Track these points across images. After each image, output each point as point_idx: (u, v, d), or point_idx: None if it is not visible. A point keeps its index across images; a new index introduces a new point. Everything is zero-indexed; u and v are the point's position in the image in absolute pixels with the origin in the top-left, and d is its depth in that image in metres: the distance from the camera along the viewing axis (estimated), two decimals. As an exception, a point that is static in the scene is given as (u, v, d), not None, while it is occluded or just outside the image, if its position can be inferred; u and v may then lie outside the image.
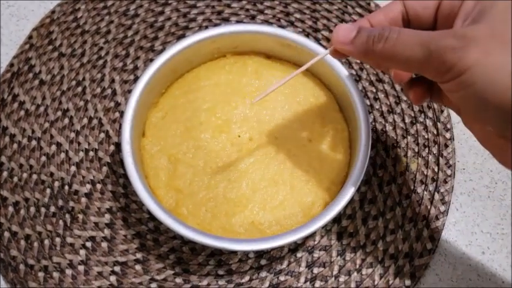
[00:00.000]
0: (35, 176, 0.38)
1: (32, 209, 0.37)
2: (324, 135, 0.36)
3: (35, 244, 0.36)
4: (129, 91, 0.42)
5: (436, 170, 0.39)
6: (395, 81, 0.29)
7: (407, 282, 0.35)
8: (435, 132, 0.40)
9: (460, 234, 0.37)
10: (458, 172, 0.39)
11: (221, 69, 0.38)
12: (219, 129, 0.36)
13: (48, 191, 0.38)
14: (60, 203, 0.37)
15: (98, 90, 0.42)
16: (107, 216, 0.37)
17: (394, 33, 0.23)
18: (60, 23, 0.45)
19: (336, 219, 0.37)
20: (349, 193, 0.32)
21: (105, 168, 0.39)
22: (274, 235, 0.31)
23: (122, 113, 0.41)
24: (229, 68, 0.38)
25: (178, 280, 0.35)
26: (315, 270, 0.36)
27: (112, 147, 0.40)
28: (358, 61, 0.43)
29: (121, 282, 0.35)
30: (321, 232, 0.37)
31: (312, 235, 0.37)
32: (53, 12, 0.45)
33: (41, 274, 0.35)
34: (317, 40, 0.44)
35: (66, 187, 0.38)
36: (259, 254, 0.36)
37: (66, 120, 0.40)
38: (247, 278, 0.35)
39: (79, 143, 0.40)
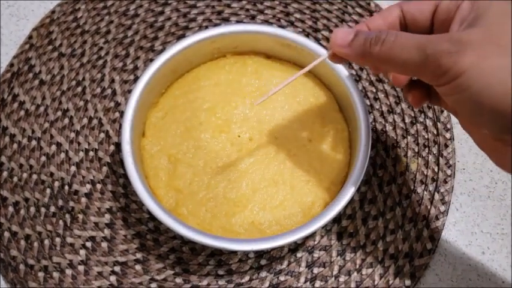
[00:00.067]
0: (35, 176, 0.38)
1: (32, 209, 0.37)
2: (324, 135, 0.36)
3: (35, 244, 0.36)
4: (129, 91, 0.42)
5: (436, 170, 0.39)
6: (394, 85, 0.29)
7: (407, 282, 0.35)
8: (435, 132, 0.40)
9: (460, 234, 0.37)
10: (458, 172, 0.39)
11: (221, 69, 0.38)
12: (219, 129, 0.36)
13: (48, 191, 0.38)
14: (60, 203, 0.37)
15: (98, 90, 0.42)
16: (107, 216, 0.37)
17: (391, 36, 0.24)
18: (60, 23, 0.45)
19: (336, 219, 0.37)
20: (349, 193, 0.32)
21: (105, 168, 0.39)
22: (274, 235, 0.31)
23: (122, 113, 0.41)
24: (229, 68, 0.38)
25: (178, 280, 0.35)
26: (315, 270, 0.36)
27: (112, 147, 0.40)
28: (358, 61, 0.43)
29: (121, 282, 0.35)
30: (321, 232, 0.37)
31: (312, 235, 0.37)
32: (53, 12, 0.45)
33: (41, 274, 0.35)
34: (317, 40, 0.44)
35: (66, 187, 0.38)
36: (259, 254, 0.36)
37: (66, 120, 0.40)
38: (247, 278, 0.35)
39: (79, 143, 0.40)
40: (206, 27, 0.45)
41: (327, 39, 0.44)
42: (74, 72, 0.42)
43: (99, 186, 0.38)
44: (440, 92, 0.24)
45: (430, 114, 0.41)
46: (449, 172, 0.39)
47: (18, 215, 0.37)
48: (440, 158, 0.39)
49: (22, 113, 0.41)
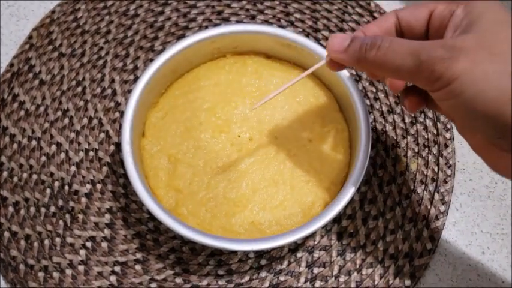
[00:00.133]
0: (35, 176, 0.38)
1: (32, 209, 0.37)
2: (324, 135, 0.36)
3: (35, 244, 0.36)
4: (129, 91, 0.42)
5: (436, 170, 0.39)
6: (391, 90, 0.29)
7: (407, 282, 0.35)
8: (435, 132, 0.40)
9: (460, 234, 0.37)
10: (458, 172, 0.39)
11: (221, 69, 0.38)
12: (219, 129, 0.36)
13: (48, 191, 0.38)
14: (60, 203, 0.37)
15: (98, 90, 0.42)
16: (107, 216, 0.37)
17: (386, 42, 0.24)
18: (60, 23, 0.45)
19: (336, 219, 0.37)
20: (349, 193, 0.32)
21: (105, 168, 0.39)
22: (274, 235, 0.31)
23: (122, 113, 0.41)
24: (229, 68, 0.38)
25: (178, 280, 0.35)
26: (315, 270, 0.36)
27: (112, 147, 0.40)
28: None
29: (121, 282, 0.35)
30: (321, 232, 0.37)
31: (312, 235, 0.37)
32: (53, 12, 0.45)
33: (41, 274, 0.35)
34: (317, 40, 0.44)
35: (66, 187, 0.38)
36: (259, 254, 0.36)
37: (66, 120, 0.40)
38: (247, 278, 0.35)
39: (79, 143, 0.40)
40: (206, 27, 0.45)
41: (327, 39, 0.44)
42: (74, 72, 0.42)
43: (99, 186, 0.38)
44: (434, 97, 0.24)
45: (430, 114, 0.41)
46: (449, 172, 0.39)
47: (18, 215, 0.37)
48: (440, 158, 0.39)
49: (22, 113, 0.41)
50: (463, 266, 0.36)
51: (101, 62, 0.43)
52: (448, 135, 0.40)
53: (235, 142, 0.36)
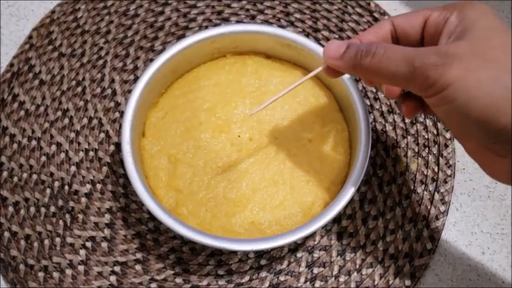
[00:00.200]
0: (35, 176, 0.38)
1: (32, 209, 0.37)
2: (324, 135, 0.36)
3: (35, 244, 0.36)
4: (129, 91, 0.42)
5: (436, 170, 0.39)
6: (388, 96, 0.30)
7: (407, 282, 0.35)
8: (435, 132, 0.40)
9: (460, 234, 0.37)
10: (458, 172, 0.39)
11: (221, 69, 0.38)
12: (219, 129, 0.36)
13: (48, 191, 0.38)
14: (60, 203, 0.37)
15: (98, 90, 0.42)
16: (107, 216, 0.37)
17: (381, 49, 0.25)
18: (60, 23, 0.45)
19: (336, 219, 0.37)
20: (349, 193, 0.32)
21: (105, 168, 0.39)
22: (274, 235, 0.31)
23: (122, 113, 0.41)
24: (229, 68, 0.38)
25: (178, 280, 0.35)
26: (315, 270, 0.36)
27: (112, 147, 0.40)
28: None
29: (121, 282, 0.35)
30: (321, 232, 0.37)
31: (312, 235, 0.37)
32: (53, 12, 0.45)
33: (41, 274, 0.35)
34: (317, 40, 0.44)
35: (66, 187, 0.38)
36: (259, 254, 0.36)
37: (66, 120, 0.40)
38: (247, 278, 0.35)
39: (79, 143, 0.40)
40: (206, 27, 0.45)
41: (327, 39, 0.44)
42: (74, 72, 0.42)
43: (99, 186, 0.38)
44: (429, 103, 0.25)
45: (430, 114, 0.41)
46: (449, 172, 0.39)
47: (18, 215, 0.37)
48: (440, 158, 0.39)
49: (22, 113, 0.41)
50: (463, 266, 0.36)
51: (101, 62, 0.43)
52: (448, 135, 0.40)
53: (235, 142, 0.36)
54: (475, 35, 0.23)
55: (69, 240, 0.36)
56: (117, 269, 0.35)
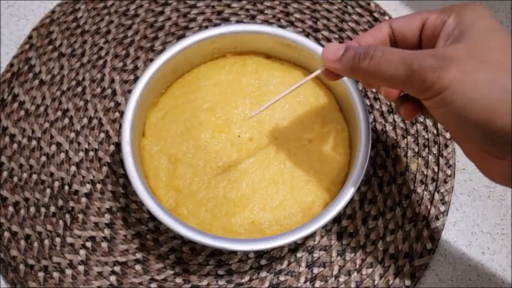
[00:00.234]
0: (35, 176, 0.38)
1: (32, 209, 0.37)
2: (324, 135, 0.36)
3: (35, 244, 0.36)
4: (129, 91, 0.42)
5: (436, 170, 0.39)
6: (386, 99, 0.30)
7: (407, 282, 0.35)
8: (435, 132, 0.40)
9: (460, 234, 0.37)
10: (458, 172, 0.39)
11: (221, 69, 0.38)
12: (219, 129, 0.36)
13: (48, 191, 0.38)
14: (60, 203, 0.37)
15: (98, 90, 0.42)
16: (107, 216, 0.37)
17: (379, 52, 0.25)
18: (60, 23, 0.45)
19: (336, 219, 0.37)
20: (349, 193, 0.32)
21: (105, 168, 0.39)
22: (274, 235, 0.31)
23: (122, 113, 0.41)
24: (229, 68, 0.38)
25: (178, 280, 0.35)
26: (315, 270, 0.36)
27: (112, 147, 0.40)
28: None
29: (121, 282, 0.35)
30: (321, 232, 0.37)
31: (312, 235, 0.37)
32: (53, 12, 0.45)
33: (41, 274, 0.35)
34: (317, 40, 0.44)
35: (66, 187, 0.38)
36: (259, 254, 0.36)
37: (66, 120, 0.40)
38: (247, 278, 0.35)
39: (79, 143, 0.40)
40: (206, 27, 0.45)
41: (327, 39, 0.44)
42: (74, 72, 0.42)
43: (99, 186, 0.38)
44: (426, 106, 0.25)
45: (430, 114, 0.41)
46: (449, 172, 0.39)
47: (18, 215, 0.37)
48: (440, 158, 0.39)
49: (22, 113, 0.41)
50: (463, 266, 0.36)
51: (101, 62, 0.43)
52: (448, 135, 0.40)
53: (235, 142, 0.36)
54: (472, 38, 0.23)
55: (69, 240, 0.36)
56: (117, 269, 0.35)
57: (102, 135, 0.40)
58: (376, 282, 0.35)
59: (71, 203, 0.37)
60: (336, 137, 0.36)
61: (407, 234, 0.37)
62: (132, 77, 0.43)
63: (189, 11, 0.45)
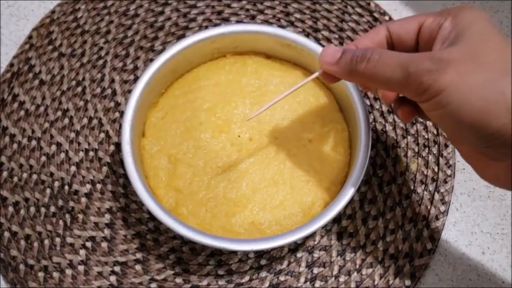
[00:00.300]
0: (35, 176, 0.38)
1: (32, 209, 0.37)
2: (324, 135, 0.36)
3: (35, 244, 0.36)
4: (129, 91, 0.42)
5: (436, 170, 0.39)
6: (384, 101, 0.30)
7: (407, 282, 0.35)
8: (435, 132, 0.40)
9: (460, 234, 0.37)
10: (458, 172, 0.39)
11: (221, 69, 0.38)
12: (219, 129, 0.36)
13: (48, 191, 0.38)
14: (60, 203, 0.37)
15: (98, 90, 0.42)
16: (107, 216, 0.37)
17: (376, 55, 0.25)
18: (60, 23, 0.45)
19: (336, 219, 0.37)
20: (349, 193, 0.32)
21: (105, 168, 0.39)
22: (274, 235, 0.31)
23: (122, 113, 0.41)
24: (229, 68, 0.38)
25: (178, 280, 0.35)
26: (315, 270, 0.36)
27: (112, 147, 0.40)
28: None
29: (121, 282, 0.35)
30: (321, 232, 0.37)
31: (312, 235, 0.37)
32: (53, 12, 0.45)
33: (41, 274, 0.35)
34: (317, 40, 0.44)
35: (66, 187, 0.38)
36: (259, 254, 0.36)
37: (66, 120, 0.40)
38: (247, 278, 0.35)
39: (79, 143, 0.40)
40: (206, 27, 0.45)
41: (327, 39, 0.44)
42: (74, 72, 0.42)
43: (99, 186, 0.38)
44: (423, 108, 0.25)
45: (430, 114, 0.41)
46: (449, 172, 0.39)
47: (18, 215, 0.37)
48: (440, 158, 0.39)
49: (22, 113, 0.41)
50: (463, 266, 0.36)
51: (101, 62, 0.43)
52: (448, 135, 0.40)
53: (235, 142, 0.36)
54: (468, 40, 0.23)
55: (69, 240, 0.36)
56: (117, 269, 0.35)
57: (102, 135, 0.40)
58: (376, 282, 0.35)
59: (71, 203, 0.37)
60: (335, 137, 0.36)
61: (408, 234, 0.37)
62: (132, 77, 0.43)
63: (189, 11, 0.45)
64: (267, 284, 0.35)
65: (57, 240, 0.36)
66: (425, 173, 0.39)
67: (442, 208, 0.38)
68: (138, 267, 0.35)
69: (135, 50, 0.43)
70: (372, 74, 0.25)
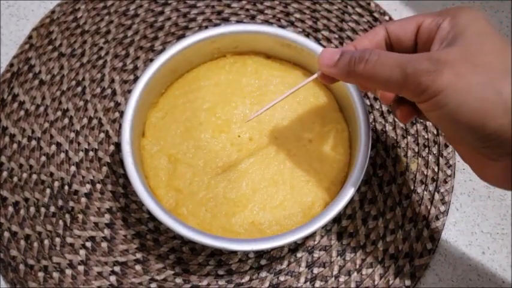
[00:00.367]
0: (34, 176, 0.38)
1: (32, 209, 0.37)
2: (324, 135, 0.36)
3: (35, 244, 0.36)
4: (129, 91, 0.42)
5: (436, 170, 0.39)
6: (383, 102, 0.30)
7: (407, 282, 0.35)
8: (435, 132, 0.40)
9: (460, 234, 0.37)
10: (458, 172, 0.39)
11: (221, 69, 0.38)
12: (219, 129, 0.36)
13: (48, 191, 0.38)
14: (60, 203, 0.37)
15: (98, 90, 0.42)
16: (107, 216, 0.37)
17: (374, 56, 0.25)
18: (60, 23, 0.45)
19: (336, 219, 0.37)
20: (349, 193, 0.32)
21: (105, 168, 0.39)
22: (274, 235, 0.31)
23: (121, 113, 0.41)
24: (229, 68, 0.38)
25: (178, 280, 0.35)
26: (315, 270, 0.36)
27: (112, 147, 0.40)
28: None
29: (121, 282, 0.35)
30: (321, 232, 0.37)
31: (312, 235, 0.37)
32: (53, 12, 0.45)
33: (40, 274, 0.35)
34: (317, 40, 0.44)
35: (66, 187, 0.38)
36: (259, 254, 0.36)
37: (66, 120, 0.40)
38: (247, 278, 0.35)
39: (79, 143, 0.40)
40: (206, 27, 0.45)
41: (327, 39, 0.44)
42: (73, 72, 0.42)
43: (99, 186, 0.38)
44: (421, 108, 0.25)
45: (430, 114, 0.41)
46: (449, 172, 0.39)
47: (18, 215, 0.37)
48: (440, 158, 0.39)
49: (22, 113, 0.41)
50: (463, 266, 0.36)
51: (100, 62, 0.43)
52: (448, 135, 0.40)
53: (235, 142, 0.36)
54: (466, 41, 0.23)
55: (69, 240, 0.36)
56: (117, 269, 0.35)
57: (102, 135, 0.40)
58: (376, 282, 0.35)
59: (71, 203, 0.37)
60: (335, 137, 0.36)
61: (408, 234, 0.37)
62: (132, 77, 0.43)
63: (189, 11, 0.45)
64: (267, 284, 0.35)
65: (57, 240, 0.36)
66: (425, 173, 0.39)
67: (442, 208, 0.38)
68: (138, 267, 0.35)
69: (135, 50, 0.43)
70: (371, 75, 0.25)
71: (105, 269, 0.35)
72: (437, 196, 0.38)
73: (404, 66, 0.23)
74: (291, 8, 0.45)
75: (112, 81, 0.42)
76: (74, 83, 0.42)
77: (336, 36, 0.44)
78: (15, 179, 0.38)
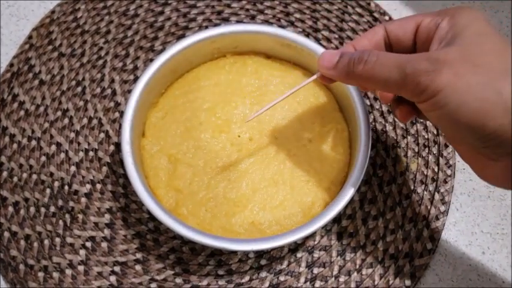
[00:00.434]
0: (34, 176, 0.38)
1: (32, 209, 0.37)
2: (324, 135, 0.36)
3: (35, 244, 0.36)
4: (129, 91, 0.42)
5: (436, 170, 0.39)
6: (382, 102, 0.30)
7: (407, 282, 0.35)
8: (435, 132, 0.40)
9: (460, 234, 0.37)
10: (458, 172, 0.39)
11: (221, 69, 0.38)
12: (219, 129, 0.36)
13: (48, 191, 0.38)
14: (60, 203, 0.37)
15: (98, 90, 0.42)
16: (107, 216, 0.37)
17: (373, 56, 0.25)
18: (60, 23, 0.45)
19: (336, 219, 0.37)
20: (349, 193, 0.32)
21: (105, 168, 0.39)
22: (274, 235, 0.31)
23: (121, 113, 0.41)
24: (229, 68, 0.38)
25: (178, 280, 0.35)
26: (315, 270, 0.36)
27: (112, 147, 0.40)
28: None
29: (121, 282, 0.35)
30: (321, 232, 0.37)
31: (312, 235, 0.37)
32: (52, 12, 0.45)
33: (40, 274, 0.35)
34: (317, 40, 0.44)
35: (66, 187, 0.38)
36: (259, 254, 0.36)
37: (66, 120, 0.40)
38: (247, 278, 0.35)
39: (79, 143, 0.40)
40: (206, 27, 0.45)
41: (327, 39, 0.44)
42: (73, 72, 0.42)
43: (99, 186, 0.38)
44: (421, 108, 0.25)
45: (430, 114, 0.41)
46: (449, 172, 0.39)
47: (18, 215, 0.37)
48: (440, 158, 0.39)
49: (22, 113, 0.41)
50: (463, 266, 0.36)
51: (100, 62, 0.43)
52: (448, 135, 0.40)
53: (235, 142, 0.36)
54: (465, 41, 0.23)
55: (69, 240, 0.36)
56: (117, 269, 0.35)
57: (102, 135, 0.40)
58: (376, 282, 0.35)
59: (71, 203, 0.37)
60: (335, 136, 0.36)
61: (408, 234, 0.37)
62: (132, 77, 0.43)
63: (189, 11, 0.45)
64: (267, 284, 0.35)
65: (57, 240, 0.36)
66: (425, 173, 0.39)
67: (442, 208, 0.38)
68: (138, 267, 0.35)
69: (135, 50, 0.43)
70: (370, 76, 0.25)
71: (105, 269, 0.35)
72: (437, 196, 0.38)
73: (403, 67, 0.23)
74: (291, 8, 0.46)
75: (112, 81, 0.42)
76: (74, 83, 0.42)
77: (336, 36, 0.44)
78: (15, 179, 0.38)
